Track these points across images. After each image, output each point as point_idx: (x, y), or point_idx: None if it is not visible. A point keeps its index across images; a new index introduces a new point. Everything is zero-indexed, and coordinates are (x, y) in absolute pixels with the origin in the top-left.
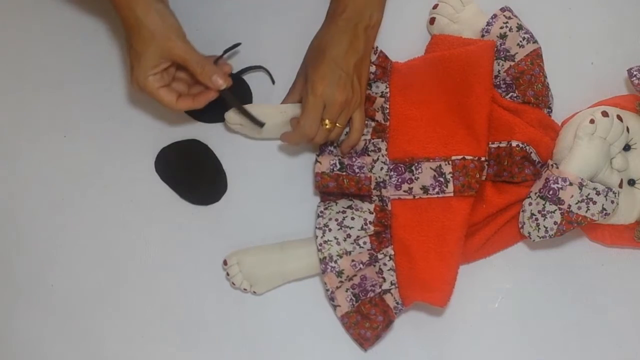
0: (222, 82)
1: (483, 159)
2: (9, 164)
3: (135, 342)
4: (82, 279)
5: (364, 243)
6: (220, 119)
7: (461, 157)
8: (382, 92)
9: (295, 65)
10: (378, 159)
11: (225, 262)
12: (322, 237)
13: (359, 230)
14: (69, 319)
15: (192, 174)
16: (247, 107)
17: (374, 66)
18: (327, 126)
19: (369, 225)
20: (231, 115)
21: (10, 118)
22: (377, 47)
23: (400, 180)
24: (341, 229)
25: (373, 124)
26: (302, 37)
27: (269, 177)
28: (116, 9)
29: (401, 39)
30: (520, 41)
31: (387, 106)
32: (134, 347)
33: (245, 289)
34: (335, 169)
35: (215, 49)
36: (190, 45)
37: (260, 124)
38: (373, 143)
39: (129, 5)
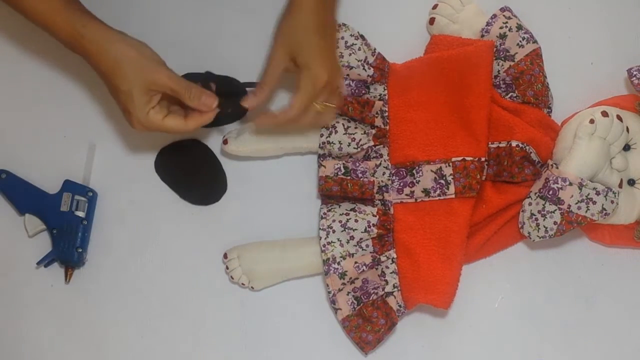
0: (211, 102)
1: (483, 159)
2: (8, 164)
3: (135, 342)
4: (82, 279)
5: (367, 246)
6: (221, 122)
7: (461, 158)
8: (380, 95)
9: None
10: (380, 164)
11: (225, 256)
12: (325, 238)
13: (362, 232)
14: (69, 319)
15: (192, 174)
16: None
17: (371, 69)
18: (319, 107)
19: (372, 227)
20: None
21: (11, 118)
22: (374, 49)
23: (402, 184)
24: (345, 230)
25: (373, 130)
26: None
27: (268, 177)
28: (87, 58)
29: (401, 39)
30: (520, 41)
31: (386, 109)
32: (134, 347)
33: (243, 284)
34: (339, 174)
35: (214, 49)
36: (173, 72)
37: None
38: (375, 150)
39: (102, 49)
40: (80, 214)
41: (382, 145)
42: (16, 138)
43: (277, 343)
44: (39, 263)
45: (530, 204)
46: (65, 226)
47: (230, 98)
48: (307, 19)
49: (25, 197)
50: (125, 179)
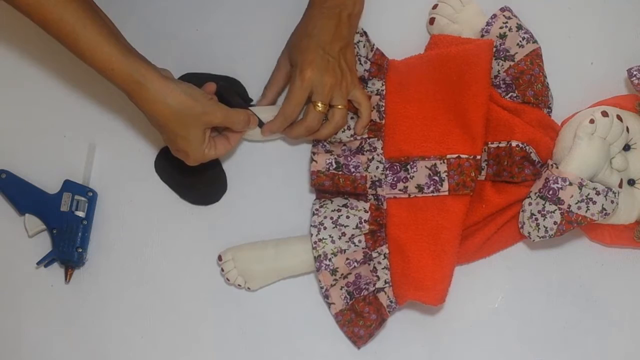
0: (255, 123)
1: (479, 157)
2: (9, 164)
3: (135, 342)
4: (82, 279)
5: (359, 241)
6: None
7: (456, 155)
8: (377, 90)
9: None
10: (373, 158)
11: (220, 258)
12: (317, 235)
13: (353, 228)
14: (69, 319)
15: (192, 174)
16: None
17: (368, 63)
18: (319, 108)
19: (364, 223)
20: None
21: (11, 118)
22: (373, 45)
23: (395, 179)
24: (336, 227)
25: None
26: None
27: (268, 177)
28: (142, 106)
29: (401, 39)
30: (520, 41)
31: (383, 104)
32: (134, 347)
33: (239, 285)
34: (331, 168)
35: (214, 48)
36: (221, 105)
37: (260, 124)
38: (369, 142)
39: (160, 100)
40: (80, 214)
41: (376, 139)
42: (16, 138)
43: (276, 342)
44: (39, 263)
45: (530, 204)
46: (65, 226)
47: (236, 98)
48: (307, 26)
49: (25, 197)
50: (125, 179)
